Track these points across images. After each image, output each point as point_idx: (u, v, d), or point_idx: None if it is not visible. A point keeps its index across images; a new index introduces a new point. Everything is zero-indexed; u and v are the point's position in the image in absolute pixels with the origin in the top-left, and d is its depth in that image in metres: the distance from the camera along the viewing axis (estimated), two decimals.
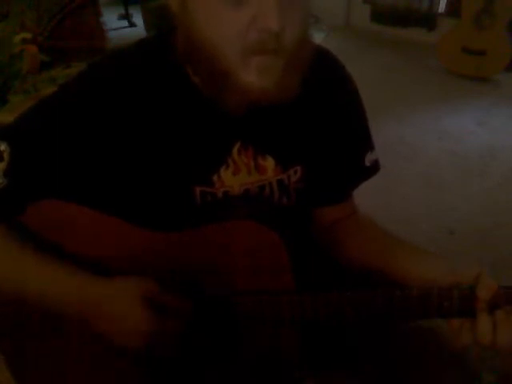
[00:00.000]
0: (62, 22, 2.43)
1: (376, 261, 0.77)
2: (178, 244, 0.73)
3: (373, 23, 4.12)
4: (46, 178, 0.72)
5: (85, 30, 2.52)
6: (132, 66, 0.73)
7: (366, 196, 0.97)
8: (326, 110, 0.81)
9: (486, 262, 1.71)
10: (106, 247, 0.75)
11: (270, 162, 0.78)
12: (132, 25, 4.33)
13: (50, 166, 0.71)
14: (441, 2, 3.75)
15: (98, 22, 2.59)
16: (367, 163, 0.86)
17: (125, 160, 0.73)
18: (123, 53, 0.76)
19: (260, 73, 0.65)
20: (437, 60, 3.42)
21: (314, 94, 0.78)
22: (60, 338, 0.78)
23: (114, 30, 3.98)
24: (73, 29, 2.47)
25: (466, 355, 0.77)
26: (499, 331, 0.64)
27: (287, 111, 0.75)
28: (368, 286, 0.71)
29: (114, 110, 0.71)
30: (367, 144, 0.87)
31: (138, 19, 4.18)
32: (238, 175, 0.77)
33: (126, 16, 4.36)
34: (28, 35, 2.28)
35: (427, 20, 3.81)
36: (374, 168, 0.87)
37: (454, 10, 3.50)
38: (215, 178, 0.76)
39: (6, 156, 0.70)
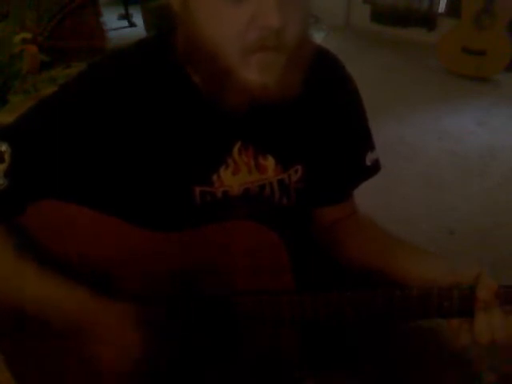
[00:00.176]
0: (62, 22, 2.43)
1: (376, 261, 0.77)
2: (178, 244, 0.73)
3: (373, 23, 4.12)
4: (46, 178, 0.72)
5: (85, 29, 2.52)
6: (132, 66, 0.73)
7: (365, 196, 0.97)
8: (326, 109, 0.81)
9: (485, 262, 1.71)
10: (106, 247, 0.75)
11: (270, 162, 0.78)
12: (132, 25, 4.33)
13: (50, 166, 0.71)
14: (441, 2, 3.75)
15: (98, 22, 2.59)
16: (368, 163, 0.86)
17: (125, 160, 0.73)
18: (123, 53, 0.76)
19: (261, 70, 0.65)
20: (437, 60, 3.42)
21: (315, 93, 0.78)
22: (60, 338, 0.77)
23: (114, 29, 3.98)
24: (73, 29, 2.48)
25: (466, 355, 0.77)
26: (497, 331, 0.64)
27: (288, 111, 0.75)
28: (368, 286, 0.71)
29: (114, 110, 0.71)
30: (368, 143, 0.87)
31: (138, 19, 4.18)
32: (237, 175, 0.77)
33: (126, 16, 4.36)
34: (28, 35, 2.28)
35: (427, 20, 3.81)
36: (375, 167, 0.87)
37: (454, 9, 3.50)
38: (215, 177, 0.76)
39: (6, 157, 0.70)
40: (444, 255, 0.75)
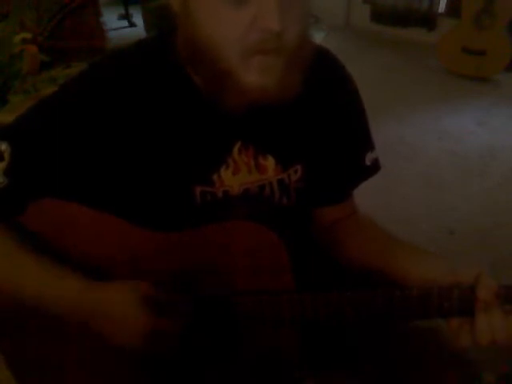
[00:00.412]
0: (62, 22, 2.43)
1: (376, 261, 0.77)
2: (178, 244, 0.73)
3: (373, 23, 4.12)
4: (46, 177, 0.72)
5: (85, 29, 2.52)
6: (132, 66, 0.73)
7: (366, 196, 0.97)
8: (326, 109, 0.81)
9: (485, 262, 1.72)
10: (107, 247, 0.75)
11: (270, 162, 0.78)
12: (132, 25, 4.33)
13: (50, 165, 0.71)
14: (441, 2, 3.75)
15: (98, 22, 2.60)
16: (367, 162, 0.86)
17: (125, 159, 0.73)
18: (123, 53, 0.76)
19: (261, 72, 0.65)
20: (437, 60, 3.42)
21: (315, 93, 0.78)
22: (60, 338, 0.78)
23: (114, 30, 3.98)
24: (73, 29, 2.48)
25: (466, 355, 0.77)
26: (498, 331, 0.64)
27: (288, 111, 0.75)
28: (368, 286, 0.70)
29: (114, 110, 0.71)
30: (367, 143, 0.87)
31: (138, 19, 4.18)
32: (237, 175, 0.77)
33: (126, 16, 4.36)
34: (28, 35, 2.28)
35: (427, 20, 3.81)
36: (375, 167, 0.87)
37: (454, 9, 3.50)
38: (215, 177, 0.76)
39: (6, 156, 0.70)
40: (444, 255, 0.75)
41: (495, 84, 3.26)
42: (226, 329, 0.74)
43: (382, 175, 0.89)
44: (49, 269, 0.72)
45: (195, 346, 0.76)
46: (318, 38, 3.58)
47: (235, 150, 0.76)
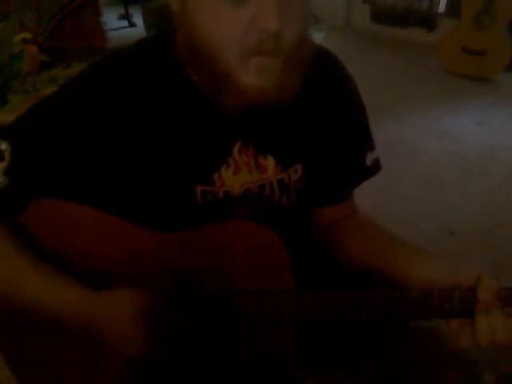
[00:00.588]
0: (62, 22, 2.43)
1: (376, 261, 0.77)
2: (178, 244, 0.73)
3: (373, 23, 4.12)
4: (46, 177, 0.72)
5: (85, 29, 2.52)
6: (132, 66, 0.73)
7: (366, 196, 0.97)
8: (326, 109, 0.81)
9: (485, 262, 1.72)
10: (107, 246, 0.75)
11: (270, 162, 0.78)
12: (132, 25, 4.32)
13: (50, 165, 0.71)
14: (441, 2, 3.75)
15: (98, 22, 2.60)
16: (368, 162, 0.86)
17: (125, 159, 0.73)
18: (123, 53, 0.76)
19: (259, 73, 0.65)
20: (437, 60, 3.42)
21: (314, 93, 0.78)
22: (60, 338, 0.78)
23: (114, 29, 3.98)
24: (73, 29, 2.48)
25: (466, 355, 0.77)
26: (498, 332, 0.64)
27: (288, 110, 0.75)
28: (368, 286, 0.70)
29: (115, 109, 0.71)
30: (368, 143, 0.87)
31: (138, 19, 4.18)
32: (238, 175, 0.77)
33: (126, 16, 4.35)
34: (28, 35, 2.28)
35: (427, 20, 3.81)
36: (375, 167, 0.87)
37: (454, 9, 3.50)
38: (216, 177, 0.76)
39: (6, 155, 0.70)
40: (444, 255, 0.75)
41: (495, 84, 3.26)
42: (226, 329, 0.74)
43: (382, 175, 0.89)
44: (48, 275, 0.72)
45: (195, 346, 0.76)
46: (318, 38, 3.58)
47: (235, 149, 0.76)
